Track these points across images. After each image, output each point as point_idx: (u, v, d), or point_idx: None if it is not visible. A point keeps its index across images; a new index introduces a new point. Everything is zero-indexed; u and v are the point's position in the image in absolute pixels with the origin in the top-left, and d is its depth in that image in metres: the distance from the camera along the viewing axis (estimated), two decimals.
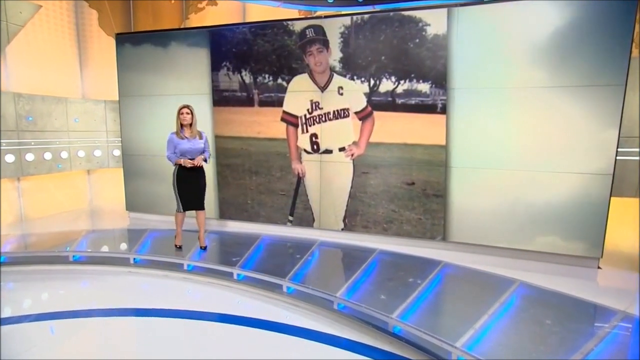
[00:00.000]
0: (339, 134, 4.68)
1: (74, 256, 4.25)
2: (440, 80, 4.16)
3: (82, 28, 6.28)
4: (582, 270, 3.80)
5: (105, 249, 4.50)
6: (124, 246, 4.67)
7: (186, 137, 4.07)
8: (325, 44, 4.58)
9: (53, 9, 5.92)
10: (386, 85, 4.41)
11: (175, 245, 4.33)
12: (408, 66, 4.29)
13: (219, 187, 5.30)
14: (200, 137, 4.15)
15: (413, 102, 4.32)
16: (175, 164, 4.12)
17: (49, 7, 5.86)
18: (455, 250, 4.35)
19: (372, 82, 4.47)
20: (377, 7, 5.16)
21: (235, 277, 3.78)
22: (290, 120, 4.90)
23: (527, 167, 3.92)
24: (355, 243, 4.62)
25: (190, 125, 4.07)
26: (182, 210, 4.25)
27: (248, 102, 5.06)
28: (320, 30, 4.59)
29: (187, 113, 4.03)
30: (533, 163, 3.89)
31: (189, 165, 4.03)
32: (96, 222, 5.84)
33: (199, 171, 4.19)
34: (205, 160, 4.18)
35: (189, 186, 4.16)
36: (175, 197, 4.23)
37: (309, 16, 5.61)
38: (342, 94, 4.59)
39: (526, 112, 3.86)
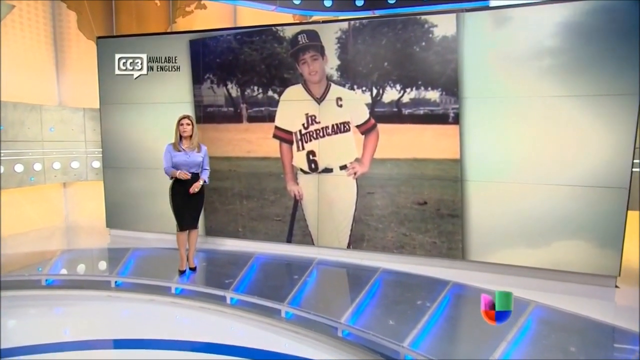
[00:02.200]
0: (339, 150, 4.49)
1: (47, 280, 4.00)
2: (452, 87, 4.04)
3: (59, 30, 6.08)
4: (598, 290, 3.73)
5: (82, 270, 4.28)
6: (104, 267, 4.46)
7: (183, 149, 3.90)
8: (321, 50, 4.45)
9: (28, 10, 5.71)
10: (390, 94, 4.29)
11: (179, 270, 4.08)
12: (414, 72, 4.18)
13: (206, 214, 5.01)
14: (199, 150, 3.98)
15: (421, 112, 4.20)
16: (171, 178, 3.94)
17: (23, 8, 5.66)
18: (460, 268, 4.24)
19: (374, 91, 4.35)
20: (377, 12, 5.10)
21: (228, 301, 3.61)
22: (283, 136, 4.71)
23: (543, 180, 3.85)
24: (355, 262, 4.48)
25: (190, 137, 3.91)
26: (181, 230, 4.03)
27: (235, 118, 4.86)
28: (314, 36, 4.47)
29: (188, 124, 3.88)
30: (549, 176, 3.83)
31: (183, 178, 3.83)
32: (73, 241, 5.61)
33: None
34: (205, 181, 3.99)
35: (185, 203, 3.96)
36: (174, 216, 4.02)
37: (304, 21, 5.54)
38: (341, 106, 4.45)
39: (544, 123, 3.80)
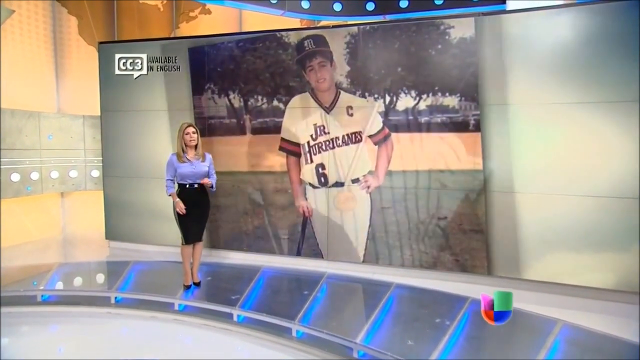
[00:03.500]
0: (351, 162, 4.32)
1: (42, 295, 3.88)
2: (471, 93, 3.88)
3: (59, 36, 6.01)
4: (628, 308, 3.56)
5: (80, 285, 4.17)
6: (103, 282, 4.35)
7: (188, 160, 3.80)
8: (329, 56, 4.34)
9: (27, 15, 5.65)
10: (405, 101, 4.14)
11: (184, 285, 3.94)
12: (430, 77, 4.03)
13: (208, 233, 4.76)
14: (204, 159, 3.89)
15: (439, 119, 4.06)
16: (169, 195, 3.85)
17: (23, 13, 5.60)
18: (474, 283, 4.07)
19: (387, 98, 4.21)
20: (388, 17, 5.03)
21: (235, 318, 3.49)
22: (290, 149, 4.55)
23: (568, 190, 3.70)
24: (367, 276, 4.32)
25: (196, 146, 3.83)
26: (187, 243, 3.91)
27: (238, 130, 4.71)
28: (321, 41, 4.35)
29: (194, 132, 3.79)
30: (576, 186, 3.68)
31: (182, 213, 3.74)
32: (70, 253, 5.49)
33: (202, 198, 3.92)
34: (212, 187, 3.91)
35: (190, 214, 3.84)
36: (179, 229, 3.90)
37: (311, 26, 5.48)
38: (352, 115, 4.29)
39: (567, 131, 3.67)
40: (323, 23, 5.46)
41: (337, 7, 5.21)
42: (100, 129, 5.39)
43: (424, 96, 4.06)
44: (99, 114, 5.36)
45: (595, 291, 3.69)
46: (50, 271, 4.45)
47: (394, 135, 4.20)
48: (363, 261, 4.40)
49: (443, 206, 4.09)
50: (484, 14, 3.87)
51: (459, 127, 3.96)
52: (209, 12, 6.12)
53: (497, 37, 3.81)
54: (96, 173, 6.11)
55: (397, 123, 4.19)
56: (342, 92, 4.34)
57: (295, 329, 3.23)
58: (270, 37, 4.54)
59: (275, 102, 4.57)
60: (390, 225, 4.27)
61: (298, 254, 4.62)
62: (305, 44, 4.41)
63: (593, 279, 3.69)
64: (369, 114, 4.26)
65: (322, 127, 4.41)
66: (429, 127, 4.08)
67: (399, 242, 4.26)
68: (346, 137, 4.33)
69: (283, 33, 4.51)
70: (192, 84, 4.81)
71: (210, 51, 4.73)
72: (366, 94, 4.26)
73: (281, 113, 4.56)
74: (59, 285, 4.16)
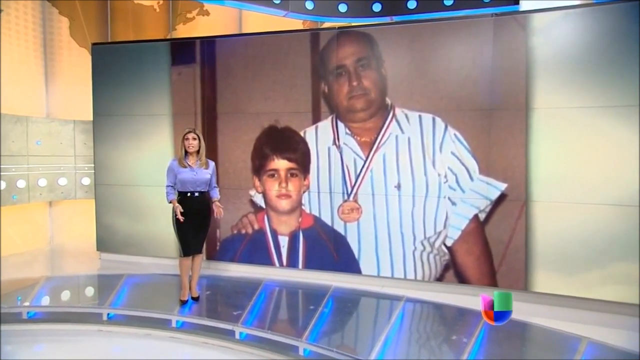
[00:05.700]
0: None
1: (28, 312, 3.72)
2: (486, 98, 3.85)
3: (49, 37, 5.92)
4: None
5: (69, 301, 4.06)
6: (93, 297, 4.22)
7: (189, 165, 3.69)
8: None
9: (16, 15, 5.55)
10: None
11: (180, 300, 3.80)
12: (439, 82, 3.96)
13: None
14: (207, 166, 3.78)
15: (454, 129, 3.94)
16: (169, 202, 3.72)
17: (12, 13, 5.50)
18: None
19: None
20: (395, 19, 4.99)
21: (237, 336, 3.35)
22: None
23: (587, 199, 3.64)
24: (375, 290, 4.20)
25: (197, 152, 3.72)
26: (185, 256, 3.78)
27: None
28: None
29: (194, 139, 3.68)
30: (594, 195, 3.61)
31: (178, 215, 3.60)
32: (58, 266, 5.36)
33: (203, 208, 3.79)
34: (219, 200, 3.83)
35: (190, 225, 3.71)
36: (178, 240, 3.77)
37: (314, 27, 5.43)
38: None
39: (584, 137, 3.62)
40: (326, 24, 5.42)
41: (343, 8, 5.15)
42: (92, 134, 5.28)
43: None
44: (90, 118, 5.26)
45: (616, 305, 3.59)
46: (37, 286, 4.30)
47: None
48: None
49: (451, 219, 4.02)
50: (497, 15, 3.82)
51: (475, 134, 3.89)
52: (207, 13, 6.05)
53: (514, 39, 3.76)
54: (87, 181, 5.98)
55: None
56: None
57: (302, 348, 3.11)
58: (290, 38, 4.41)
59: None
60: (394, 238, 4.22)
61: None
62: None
63: (613, 293, 3.59)
64: None
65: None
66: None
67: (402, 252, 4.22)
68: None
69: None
70: (202, 80, 4.72)
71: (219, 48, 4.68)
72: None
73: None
74: (46, 300, 4.03)
